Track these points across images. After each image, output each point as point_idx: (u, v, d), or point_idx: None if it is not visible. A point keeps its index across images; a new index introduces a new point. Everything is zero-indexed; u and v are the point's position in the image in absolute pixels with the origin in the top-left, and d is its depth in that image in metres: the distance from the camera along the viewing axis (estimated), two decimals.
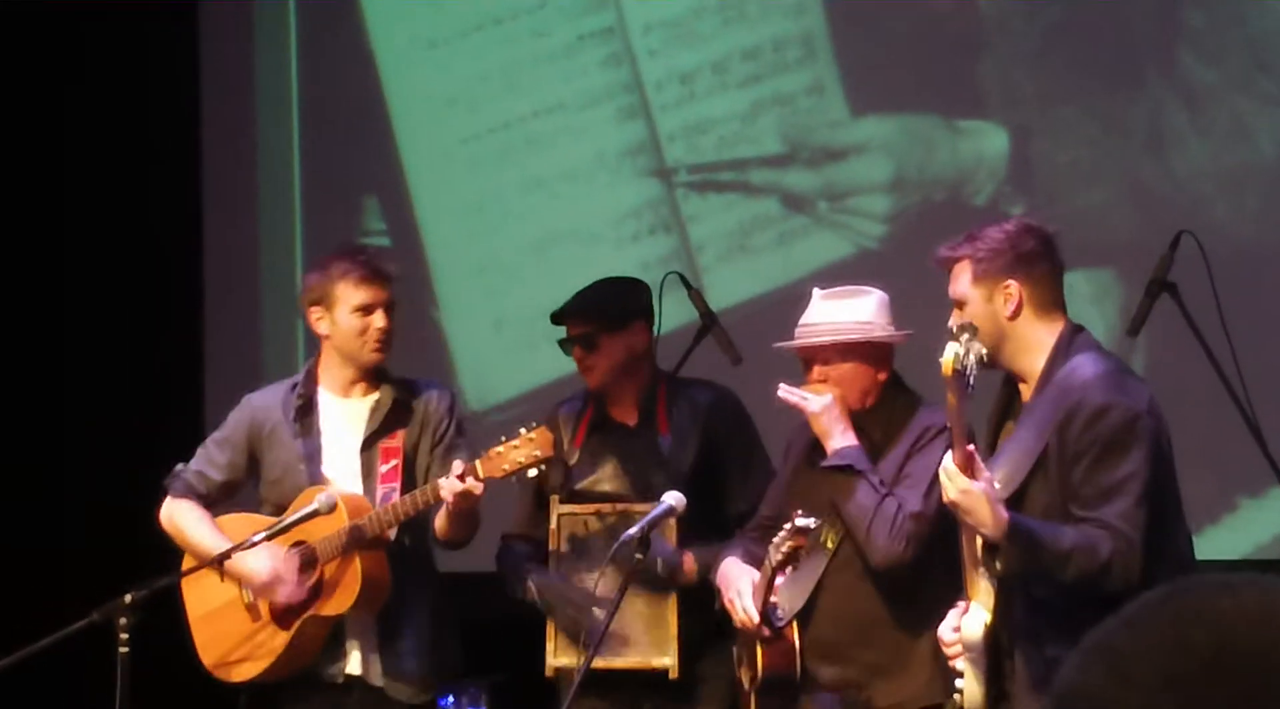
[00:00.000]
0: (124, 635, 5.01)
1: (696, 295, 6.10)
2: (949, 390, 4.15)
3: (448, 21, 7.88)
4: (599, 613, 5.16)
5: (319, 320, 5.48)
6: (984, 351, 4.15)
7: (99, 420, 7.84)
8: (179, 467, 5.62)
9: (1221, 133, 6.73)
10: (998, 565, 4.26)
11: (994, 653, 4.41)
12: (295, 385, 5.57)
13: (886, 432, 5.11)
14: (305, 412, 5.52)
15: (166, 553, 5.60)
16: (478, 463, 5.14)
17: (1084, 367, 4.38)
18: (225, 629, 5.50)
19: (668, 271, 6.07)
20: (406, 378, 5.60)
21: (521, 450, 5.11)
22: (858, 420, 5.09)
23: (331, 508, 5.25)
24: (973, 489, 4.16)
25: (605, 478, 5.55)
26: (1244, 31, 6.76)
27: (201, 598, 5.55)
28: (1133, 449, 4.30)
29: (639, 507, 5.32)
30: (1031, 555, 4.21)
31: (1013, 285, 4.45)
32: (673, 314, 5.91)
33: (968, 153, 7.04)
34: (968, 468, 4.18)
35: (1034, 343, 4.44)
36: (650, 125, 7.49)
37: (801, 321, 5.12)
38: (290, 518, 5.27)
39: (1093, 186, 6.77)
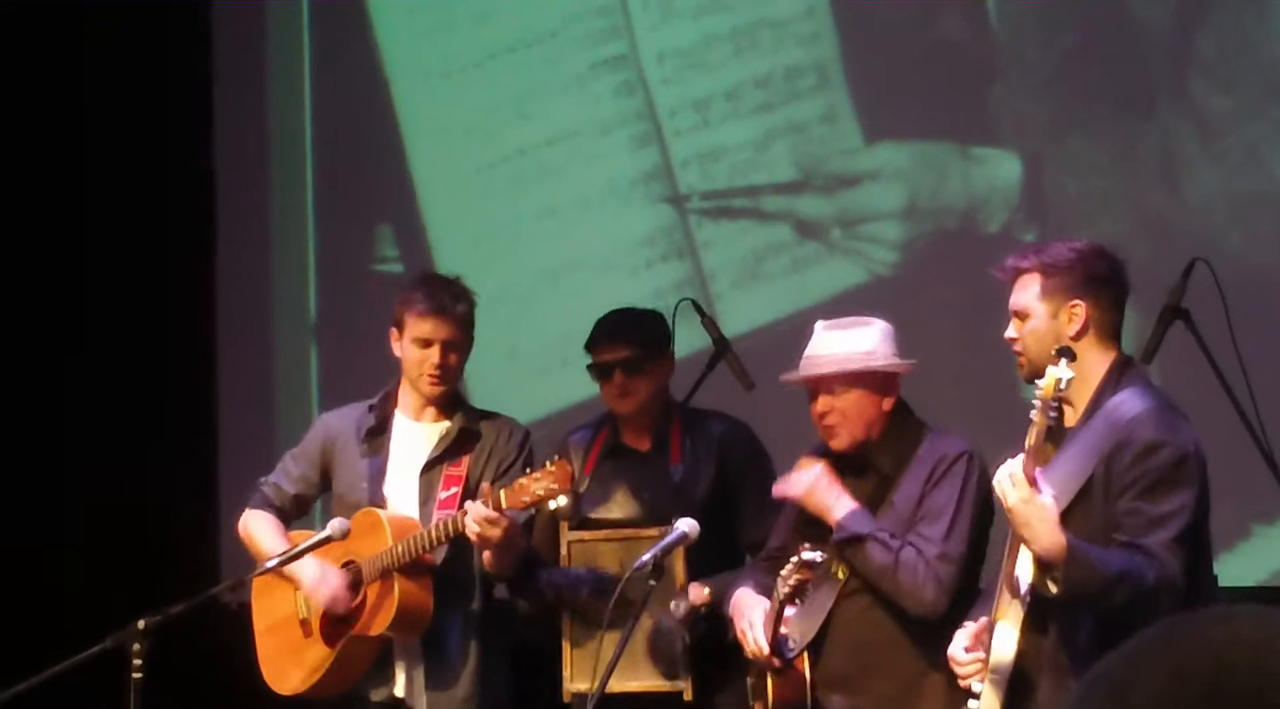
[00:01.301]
0: (137, 661, 5.00)
1: (709, 322, 6.10)
2: (1040, 411, 4.14)
3: (461, 50, 7.89)
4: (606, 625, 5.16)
5: (395, 343, 5.56)
6: (1074, 376, 4.15)
7: (110, 453, 7.84)
8: (261, 479, 5.72)
9: (1234, 160, 6.73)
10: (1051, 586, 4.21)
11: (1017, 676, 4.40)
12: (371, 406, 5.63)
13: (896, 461, 5.09)
14: (377, 432, 5.57)
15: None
16: (501, 493, 5.15)
17: (1134, 400, 4.37)
18: (281, 643, 5.59)
19: (681, 298, 6.09)
20: (483, 409, 5.63)
21: (541, 483, 5.12)
22: (865, 454, 5.08)
23: (344, 534, 5.25)
24: (1038, 501, 4.15)
25: (616, 504, 5.56)
26: (1256, 59, 6.76)
27: (267, 611, 5.67)
28: (1181, 487, 4.30)
29: (649, 532, 5.32)
30: (1086, 577, 4.17)
31: (1080, 306, 4.45)
32: (686, 341, 5.91)
33: (980, 181, 7.05)
34: (1032, 485, 4.17)
35: (1088, 369, 4.41)
36: (663, 152, 7.50)
37: (806, 353, 5.11)
38: (302, 546, 5.29)
39: (1105, 214, 6.76)
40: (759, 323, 7.14)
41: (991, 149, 7.05)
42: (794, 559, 4.83)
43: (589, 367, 5.58)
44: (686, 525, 4.94)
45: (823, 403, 5.06)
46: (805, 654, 5.06)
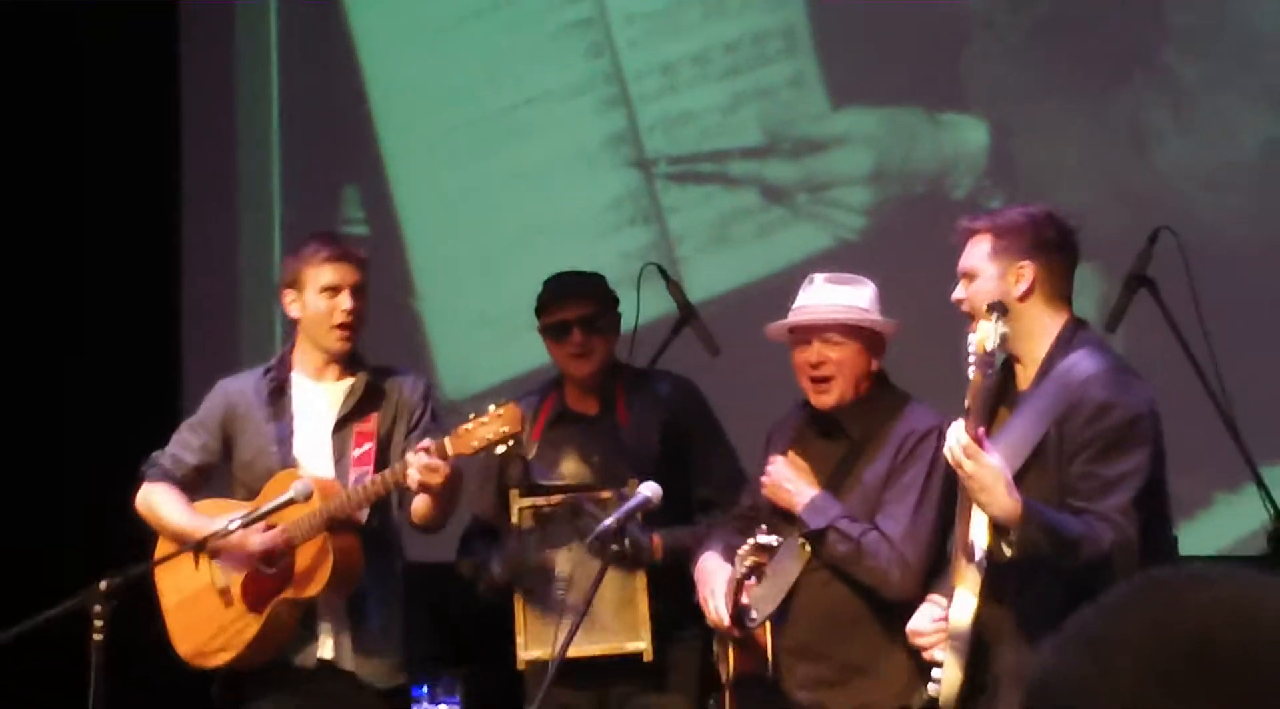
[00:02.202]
0: (98, 623, 4.99)
1: (675, 287, 6.08)
2: (976, 368, 4.14)
3: (429, 13, 7.87)
4: (563, 591, 5.15)
5: (291, 303, 5.49)
6: (1008, 332, 4.16)
7: (75, 409, 7.82)
8: (155, 453, 5.63)
9: (1204, 130, 6.73)
10: (1006, 549, 4.20)
11: (977, 642, 4.40)
12: (269, 369, 5.58)
13: (866, 429, 5.08)
14: (277, 395, 5.52)
15: (136, 544, 5.59)
16: (446, 440, 5.11)
17: (1086, 361, 4.37)
18: (198, 616, 5.49)
19: (646, 262, 6.07)
20: (381, 364, 5.60)
21: (490, 427, 5.08)
22: (838, 418, 5.07)
23: (308, 496, 5.22)
24: (991, 465, 4.14)
25: (567, 468, 5.52)
26: (1228, 29, 6.76)
27: (175, 586, 5.54)
28: (1134, 448, 4.30)
29: (603, 494, 5.31)
30: (1043, 539, 4.16)
31: (1028, 267, 4.45)
32: (651, 305, 5.90)
33: (949, 146, 7.04)
34: (979, 446, 4.16)
35: (1037, 329, 4.43)
36: (631, 116, 7.48)
37: (802, 302, 5.09)
38: (266, 506, 5.25)
39: (1074, 182, 6.76)
40: (725, 288, 7.14)
41: (960, 115, 7.05)
42: (749, 541, 4.87)
43: (543, 328, 5.53)
44: (649, 490, 4.94)
45: (819, 352, 5.02)
46: (767, 625, 5.05)
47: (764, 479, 5.09)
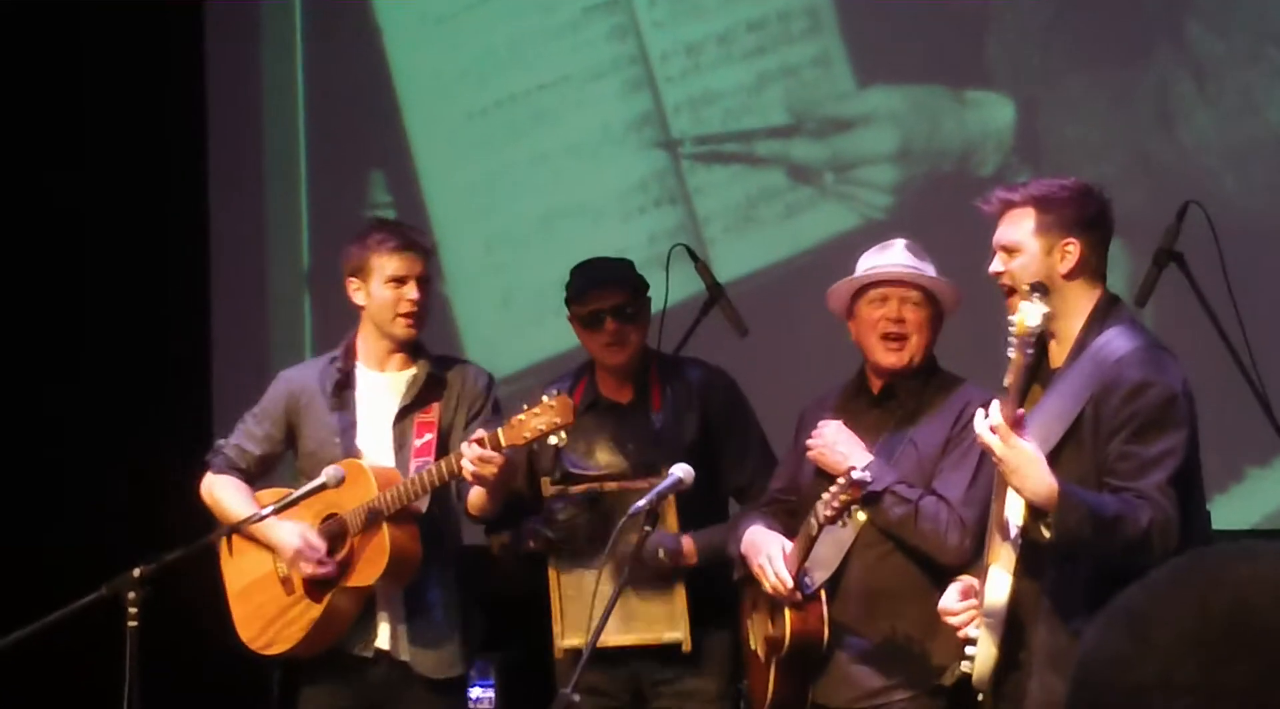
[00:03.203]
0: (133, 610, 5.00)
1: (703, 267, 6.07)
2: (1017, 348, 4.12)
3: None
4: (597, 577, 5.13)
5: (356, 291, 5.50)
6: (1050, 312, 4.13)
7: (105, 397, 7.84)
8: (219, 441, 5.67)
9: (1229, 105, 6.71)
10: (1044, 531, 4.17)
11: (1011, 620, 4.39)
12: (334, 359, 5.59)
13: (921, 400, 5.08)
14: (342, 385, 5.54)
15: (174, 526, 5.61)
16: (499, 431, 5.11)
17: (1121, 339, 4.34)
18: (260, 603, 5.54)
19: (674, 244, 6.06)
20: (444, 355, 5.61)
21: (543, 417, 5.07)
22: (892, 387, 5.07)
23: (339, 482, 5.24)
24: (1025, 448, 4.12)
25: (599, 457, 5.50)
26: (1252, 3, 6.74)
27: (239, 573, 5.60)
28: (1171, 427, 4.28)
29: (636, 483, 5.28)
30: (1082, 522, 4.13)
31: (1075, 245, 4.41)
32: (679, 287, 5.89)
33: (974, 124, 7.03)
34: (1016, 429, 4.14)
35: (1076, 307, 4.40)
36: (656, 97, 7.48)
37: (878, 263, 5.08)
38: (298, 492, 5.28)
39: (1100, 158, 6.75)
40: (753, 268, 7.13)
41: (986, 92, 7.03)
42: (841, 479, 4.70)
43: (576, 317, 5.49)
44: (681, 471, 4.88)
45: (903, 308, 5.02)
46: (823, 591, 5.04)
47: (811, 442, 5.04)
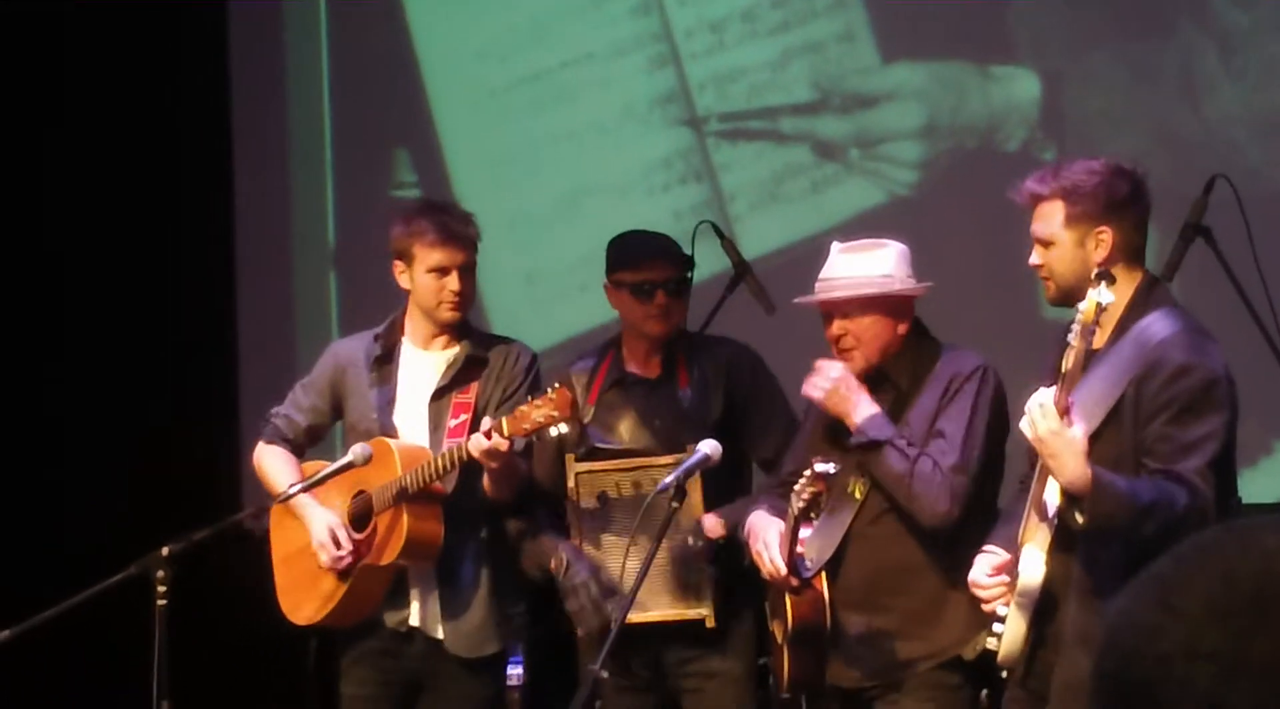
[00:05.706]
0: (161, 588, 5.02)
1: (729, 245, 6.07)
2: (1079, 336, 4.12)
3: None
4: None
5: (401, 275, 5.51)
6: (1114, 300, 4.12)
7: (132, 377, 7.85)
8: (272, 409, 5.70)
9: (1254, 77, 6.70)
10: (1078, 517, 4.18)
11: (1044, 599, 4.39)
12: (378, 335, 5.60)
13: (913, 378, 5.07)
14: (384, 360, 5.54)
15: (202, 503, 5.64)
16: (503, 420, 5.12)
17: (1163, 322, 4.34)
18: (297, 574, 5.57)
19: (700, 221, 6.05)
20: (491, 334, 5.61)
21: (541, 410, 5.06)
22: (884, 369, 5.06)
23: (366, 460, 5.26)
24: (1065, 433, 4.12)
25: (625, 433, 5.49)
26: None
27: (283, 542, 5.64)
28: (1211, 411, 4.28)
29: (662, 460, 5.28)
30: (1113, 510, 4.14)
31: (1106, 232, 4.39)
32: (705, 263, 5.89)
33: (999, 99, 7.02)
34: (1064, 415, 4.14)
35: (1116, 291, 4.33)
36: (680, 74, 7.47)
37: (821, 276, 5.07)
38: (326, 470, 5.31)
39: (1125, 132, 6.73)
40: (778, 245, 7.13)
41: (1011, 67, 7.02)
42: (806, 472, 4.77)
43: (625, 284, 5.43)
44: (709, 447, 4.89)
45: (838, 326, 5.02)
46: (823, 573, 5.05)
47: (815, 380, 5.01)
